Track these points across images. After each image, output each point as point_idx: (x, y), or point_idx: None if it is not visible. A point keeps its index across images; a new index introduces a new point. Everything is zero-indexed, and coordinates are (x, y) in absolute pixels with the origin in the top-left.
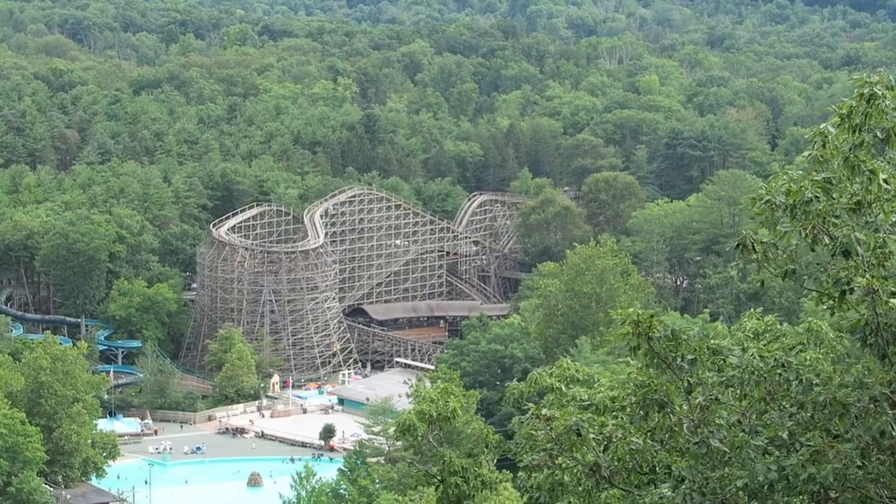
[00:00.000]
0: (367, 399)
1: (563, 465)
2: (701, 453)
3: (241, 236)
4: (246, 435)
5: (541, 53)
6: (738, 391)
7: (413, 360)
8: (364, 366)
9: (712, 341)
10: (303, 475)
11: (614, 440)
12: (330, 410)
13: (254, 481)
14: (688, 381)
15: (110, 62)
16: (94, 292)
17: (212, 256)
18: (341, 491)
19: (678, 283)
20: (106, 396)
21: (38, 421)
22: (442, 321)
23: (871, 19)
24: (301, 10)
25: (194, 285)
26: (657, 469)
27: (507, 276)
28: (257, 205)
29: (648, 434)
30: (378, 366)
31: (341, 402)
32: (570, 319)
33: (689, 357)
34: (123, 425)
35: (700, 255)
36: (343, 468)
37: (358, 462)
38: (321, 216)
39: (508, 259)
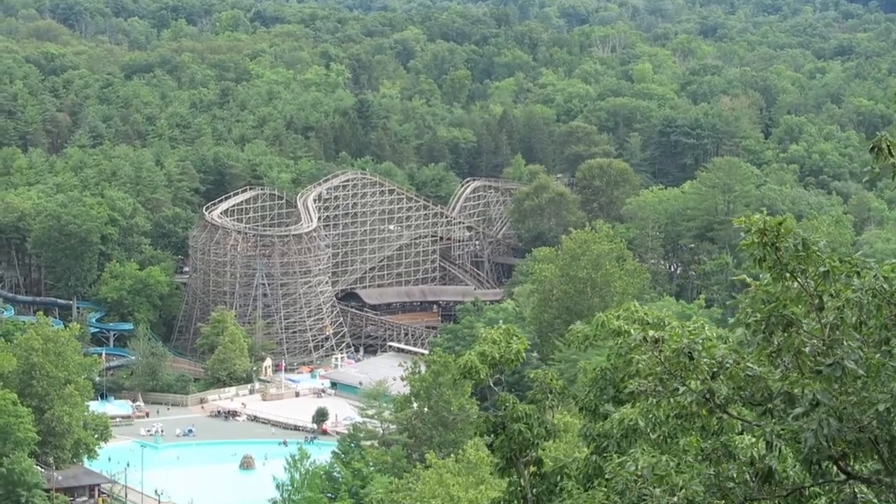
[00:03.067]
0: (360, 383)
1: (674, 392)
2: (835, 376)
3: (233, 220)
4: (238, 418)
5: (534, 41)
6: (857, 317)
7: (406, 344)
8: (357, 350)
9: (845, 254)
10: (297, 458)
11: (727, 366)
12: (322, 394)
13: (246, 464)
14: (819, 297)
15: (102, 47)
16: (86, 274)
17: (204, 240)
18: (335, 474)
19: (672, 269)
20: (97, 378)
21: (29, 402)
22: (435, 306)
23: (864, 10)
24: None
25: (186, 268)
26: (773, 398)
27: (501, 261)
28: (250, 188)
29: (769, 358)
30: (371, 350)
31: (334, 385)
32: (564, 304)
33: (822, 269)
34: (115, 407)
35: (694, 242)
36: (337, 451)
37: (352, 445)
38: (314, 200)
39: (502, 245)
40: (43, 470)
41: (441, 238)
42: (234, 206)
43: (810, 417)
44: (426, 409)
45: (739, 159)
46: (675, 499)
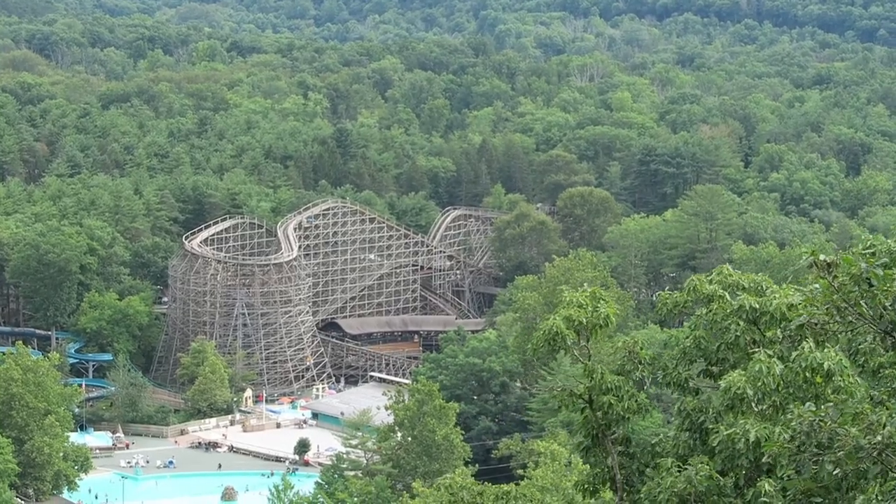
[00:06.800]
0: (342, 413)
1: (854, 324)
2: None
3: (213, 249)
4: (219, 449)
5: (511, 70)
6: None
7: (387, 374)
8: (338, 380)
9: None
10: (280, 488)
11: None
12: (303, 425)
13: (228, 495)
14: None
15: (78, 76)
16: (65, 304)
17: (184, 269)
18: None
19: (655, 297)
20: (77, 410)
21: (9, 433)
22: (416, 336)
23: (840, 40)
24: (268, 29)
25: (166, 298)
26: None
27: (482, 290)
28: (230, 217)
29: None
30: (352, 380)
31: (315, 416)
32: None
33: None
34: (94, 439)
35: (676, 271)
36: (321, 481)
37: (335, 476)
38: (294, 229)
39: (483, 274)
40: (23, 502)
41: (422, 267)
42: (213, 235)
43: None
44: (410, 439)
45: (721, 187)
46: (879, 438)
